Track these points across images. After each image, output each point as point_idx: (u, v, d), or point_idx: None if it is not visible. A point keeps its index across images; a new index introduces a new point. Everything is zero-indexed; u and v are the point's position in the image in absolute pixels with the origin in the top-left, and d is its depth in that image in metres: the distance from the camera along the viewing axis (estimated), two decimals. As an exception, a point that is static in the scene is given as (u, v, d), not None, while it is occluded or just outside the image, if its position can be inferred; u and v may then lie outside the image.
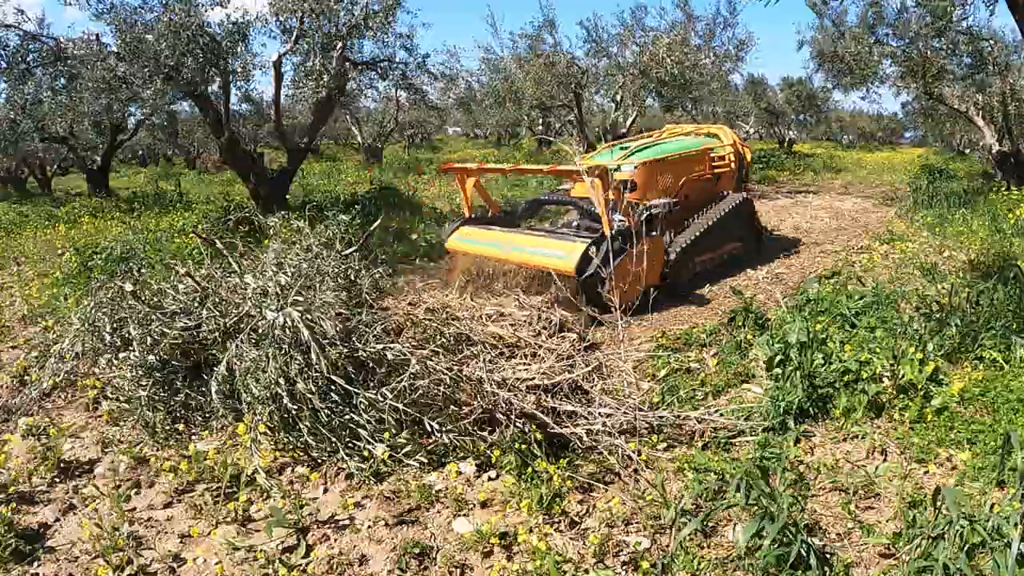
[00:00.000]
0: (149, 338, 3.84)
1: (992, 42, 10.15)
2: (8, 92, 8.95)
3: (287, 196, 10.81)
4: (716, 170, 7.70)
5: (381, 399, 3.32)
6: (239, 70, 9.36)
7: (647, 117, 22.97)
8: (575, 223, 6.81)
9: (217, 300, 3.89)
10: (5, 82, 8.73)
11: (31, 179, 19.38)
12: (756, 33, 28.64)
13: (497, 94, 15.59)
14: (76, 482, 3.31)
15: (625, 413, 3.50)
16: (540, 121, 22.42)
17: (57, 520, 3.02)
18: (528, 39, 14.89)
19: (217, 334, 3.75)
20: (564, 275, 5.38)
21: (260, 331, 3.51)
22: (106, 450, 3.60)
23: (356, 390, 3.37)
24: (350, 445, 3.30)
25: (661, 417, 3.61)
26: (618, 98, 15.05)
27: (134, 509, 3.06)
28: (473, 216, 6.84)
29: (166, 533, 2.92)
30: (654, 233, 5.99)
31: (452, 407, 3.46)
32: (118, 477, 3.33)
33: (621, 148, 7.53)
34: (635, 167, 6.79)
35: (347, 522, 2.93)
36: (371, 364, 3.53)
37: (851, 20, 11.43)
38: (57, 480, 3.33)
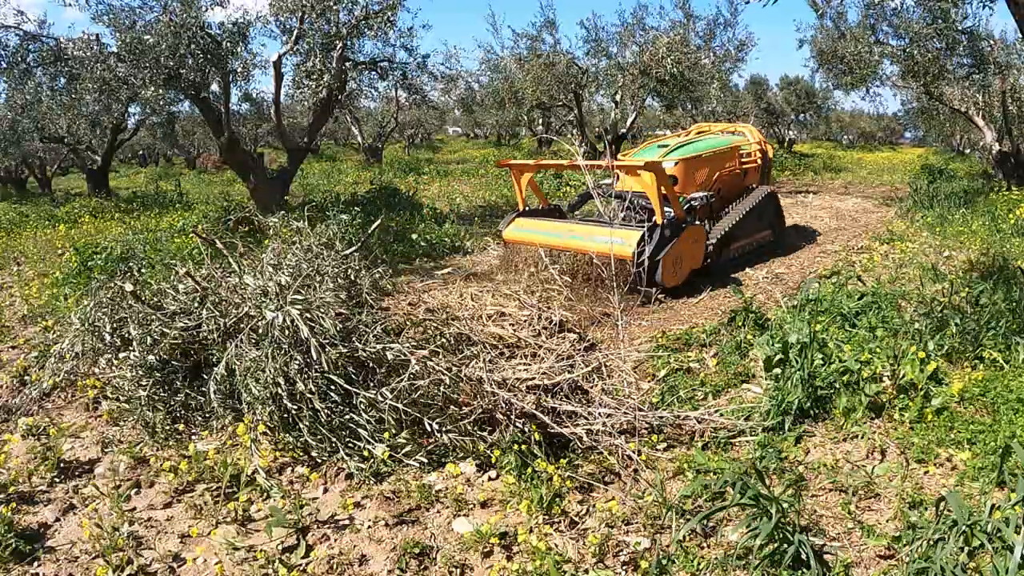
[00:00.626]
0: (149, 338, 3.84)
1: (992, 42, 10.16)
2: (8, 92, 8.95)
3: (287, 196, 10.81)
4: (744, 165, 8.37)
5: (381, 399, 3.32)
6: (239, 70, 9.36)
7: (647, 117, 22.98)
8: (622, 214, 7.27)
9: (217, 300, 3.89)
10: (5, 82, 8.74)
11: (31, 179, 19.39)
12: (756, 33, 28.67)
13: (497, 94, 15.59)
14: (76, 482, 3.31)
15: (625, 413, 3.50)
16: (540, 121, 22.43)
17: (57, 520, 3.02)
18: (528, 39, 14.89)
19: (216, 334, 3.75)
20: (622, 259, 6.06)
21: (260, 331, 3.50)
22: (106, 450, 3.60)
23: (356, 390, 3.37)
24: (350, 445, 3.30)
25: (661, 417, 3.61)
26: (618, 98, 15.04)
27: (134, 509, 3.06)
28: (526, 209, 7.33)
29: (166, 533, 2.92)
30: (696, 223, 6.66)
31: (452, 407, 3.46)
32: (118, 477, 3.33)
33: (659, 146, 8.02)
34: (675, 163, 7.36)
35: (347, 522, 2.93)
36: (371, 364, 3.53)
37: (851, 20, 11.44)
38: (57, 480, 3.33)
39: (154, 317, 3.89)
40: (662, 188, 6.16)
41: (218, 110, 9.47)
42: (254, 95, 12.83)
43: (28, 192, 18.61)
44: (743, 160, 8.39)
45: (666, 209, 6.37)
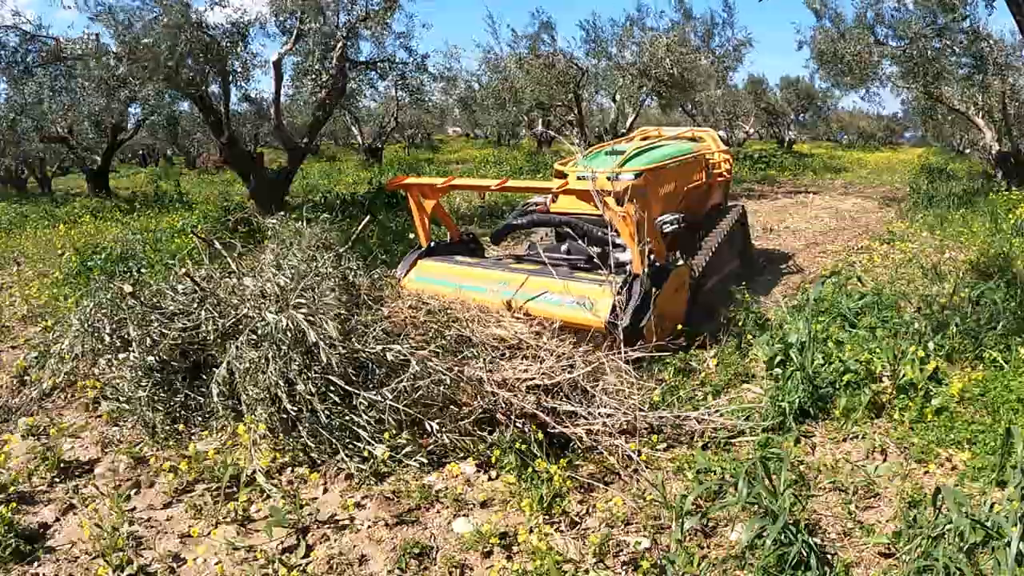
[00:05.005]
0: (148, 339, 3.83)
1: (991, 42, 10.17)
2: (8, 92, 8.96)
3: (287, 196, 10.81)
4: (711, 179, 6.75)
5: (381, 399, 3.31)
6: (239, 70, 9.37)
7: (647, 117, 22.99)
8: (563, 247, 5.62)
9: (215, 301, 3.88)
10: (5, 82, 8.75)
11: (31, 179, 19.39)
12: (756, 34, 28.66)
13: (498, 94, 15.59)
14: (76, 482, 3.31)
15: (625, 413, 3.50)
16: (540, 121, 22.42)
17: (57, 520, 3.02)
18: (528, 39, 14.93)
19: (215, 335, 3.74)
20: (592, 330, 4.20)
21: (260, 333, 3.50)
22: (106, 450, 3.60)
23: (356, 391, 3.36)
24: (350, 446, 3.30)
25: (661, 417, 3.61)
26: (617, 98, 15.05)
27: (134, 509, 3.06)
28: (432, 245, 5.39)
29: (166, 533, 2.91)
30: (679, 262, 4.79)
31: (452, 407, 3.46)
32: (118, 477, 3.33)
33: (609, 153, 6.08)
34: (637, 175, 5.34)
35: (347, 522, 2.93)
36: (371, 365, 3.53)
37: (849, 20, 11.45)
38: (57, 480, 3.33)
39: (153, 318, 3.88)
40: (627, 219, 4.22)
41: (218, 110, 9.47)
42: (254, 95, 12.84)
43: (28, 192, 18.60)
44: (709, 172, 6.69)
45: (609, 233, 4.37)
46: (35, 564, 2.74)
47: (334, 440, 3.28)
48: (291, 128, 13.65)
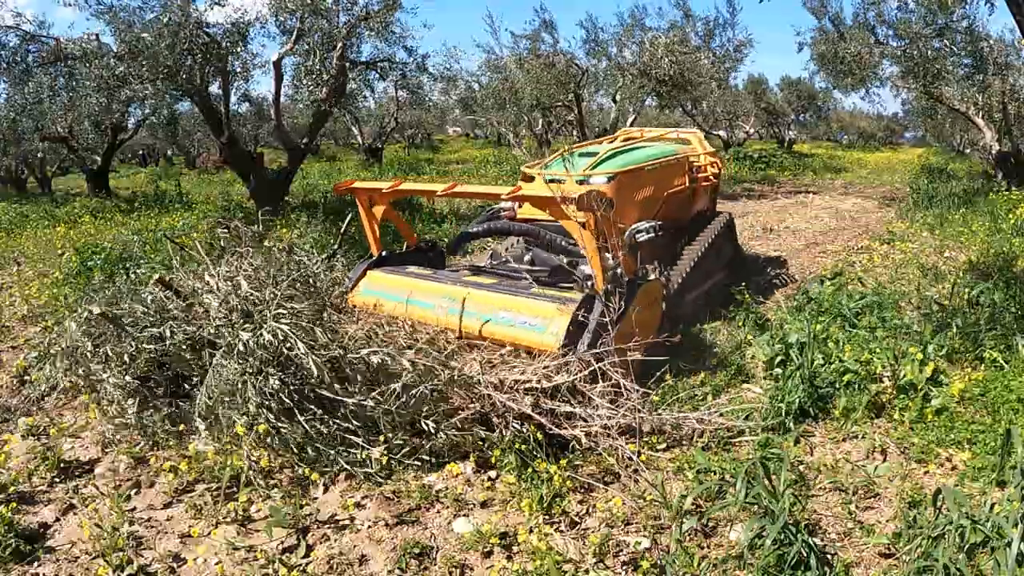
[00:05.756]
0: (125, 356, 3.68)
1: (991, 42, 10.18)
2: (8, 92, 8.97)
3: (287, 196, 10.81)
4: (695, 184, 6.26)
5: (373, 405, 3.26)
6: (239, 70, 9.37)
7: (647, 117, 23.01)
8: (527, 257, 5.33)
9: (182, 312, 3.69)
10: (5, 82, 8.75)
11: (31, 179, 19.40)
12: (756, 34, 28.72)
13: (498, 95, 15.58)
14: (76, 482, 3.31)
15: (624, 415, 3.49)
16: (540, 122, 22.41)
17: (57, 520, 3.02)
18: (528, 39, 14.93)
19: (186, 348, 3.58)
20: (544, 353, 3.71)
21: (232, 350, 3.32)
22: (106, 450, 3.60)
23: (344, 398, 3.28)
24: (344, 454, 3.25)
25: (661, 417, 3.61)
26: (617, 98, 15.05)
27: (134, 509, 3.06)
28: (384, 255, 4.92)
29: (166, 533, 2.91)
30: (651, 276, 4.31)
31: (446, 409, 3.41)
32: (118, 477, 3.33)
33: (581, 155, 5.51)
34: (609, 179, 5.00)
35: (347, 522, 2.93)
36: (350, 371, 3.42)
37: (849, 20, 11.47)
38: (57, 480, 3.33)
39: (125, 335, 3.71)
40: (589, 229, 3.75)
41: (218, 110, 9.47)
42: (254, 95, 12.85)
43: (28, 192, 18.60)
44: (694, 176, 6.19)
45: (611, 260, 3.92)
46: (35, 564, 2.74)
47: (331, 452, 3.23)
48: (291, 128, 13.66)
